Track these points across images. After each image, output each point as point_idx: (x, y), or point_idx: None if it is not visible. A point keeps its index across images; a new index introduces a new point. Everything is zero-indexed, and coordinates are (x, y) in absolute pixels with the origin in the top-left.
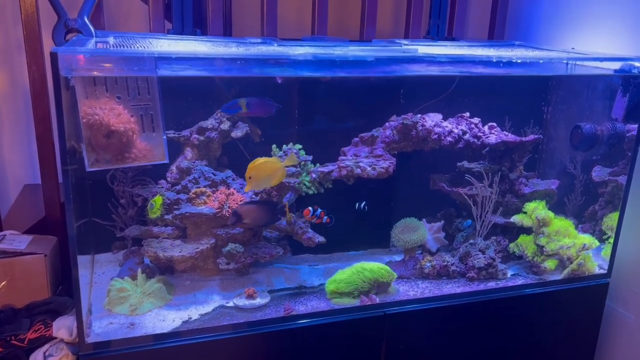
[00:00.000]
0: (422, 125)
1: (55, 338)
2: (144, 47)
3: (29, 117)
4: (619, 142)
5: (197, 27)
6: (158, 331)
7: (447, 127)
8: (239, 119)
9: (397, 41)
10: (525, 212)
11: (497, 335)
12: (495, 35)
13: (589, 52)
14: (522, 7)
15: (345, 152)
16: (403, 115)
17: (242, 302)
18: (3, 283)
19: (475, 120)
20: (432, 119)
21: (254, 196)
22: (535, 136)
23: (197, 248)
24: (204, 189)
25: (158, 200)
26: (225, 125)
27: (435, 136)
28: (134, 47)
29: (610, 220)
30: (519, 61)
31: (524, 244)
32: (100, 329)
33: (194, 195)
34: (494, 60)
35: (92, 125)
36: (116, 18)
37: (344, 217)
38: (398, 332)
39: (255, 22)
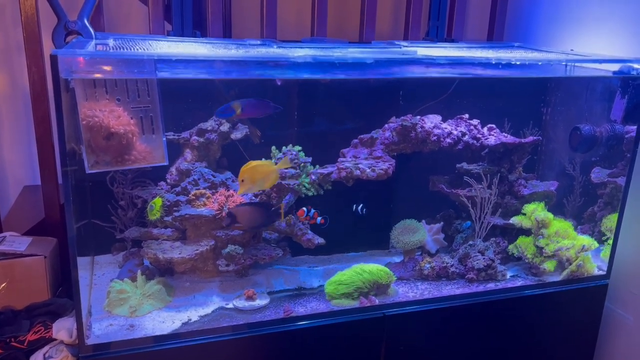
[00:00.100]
0: (422, 127)
1: (55, 340)
2: (144, 49)
3: (29, 119)
4: (617, 144)
5: (196, 28)
6: (158, 333)
7: (446, 128)
8: (239, 120)
9: (397, 43)
10: (524, 214)
11: (497, 336)
12: (494, 36)
13: (588, 54)
14: (522, 9)
15: (345, 154)
16: (402, 117)
17: (241, 303)
18: (3, 285)
19: (475, 121)
20: (431, 121)
21: (253, 198)
22: (535, 138)
23: (197, 250)
24: (203, 191)
25: (158, 202)
26: (225, 127)
27: (435, 138)
28: (133, 49)
29: (609, 222)
30: (517, 63)
31: (523, 246)
32: (100, 330)
33: (194, 197)
34: (493, 62)
35: (92, 127)
36: (116, 20)
37: (343, 219)
38: (397, 334)
39: (254, 24)
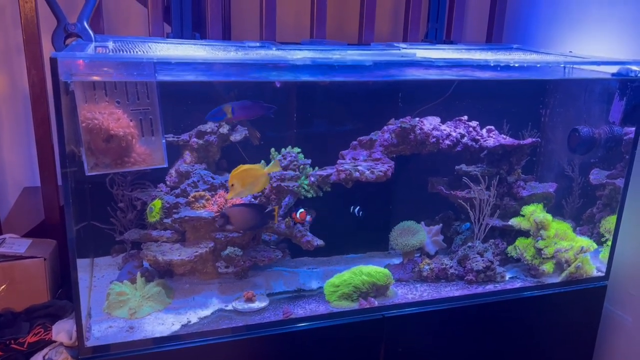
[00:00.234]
0: (421, 129)
1: (55, 342)
2: (143, 51)
3: (28, 120)
4: (616, 145)
5: (196, 30)
6: (157, 335)
7: (445, 130)
8: (239, 122)
9: (396, 44)
10: (523, 215)
11: (496, 338)
12: (493, 38)
13: (586, 56)
14: (520, 10)
15: (344, 156)
16: (401, 119)
17: (241, 305)
18: (2, 287)
19: (474, 123)
20: (430, 123)
21: (253, 200)
22: (533, 139)
23: (196, 252)
24: (203, 193)
25: (157, 204)
26: (224, 129)
27: (434, 139)
28: (133, 51)
29: (608, 223)
30: (516, 65)
31: (522, 247)
32: (100, 332)
33: (193, 199)
34: (492, 64)
35: (91, 129)
36: (115, 22)
37: (342, 221)
38: (397, 335)
39: (254, 26)
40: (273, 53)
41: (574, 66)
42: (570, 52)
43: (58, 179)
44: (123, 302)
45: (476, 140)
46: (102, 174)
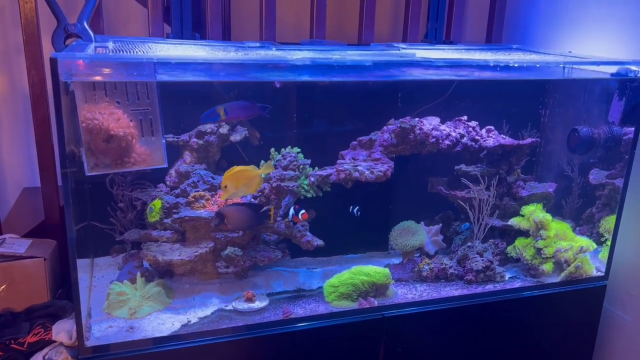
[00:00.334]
0: (420, 129)
1: (55, 342)
2: (143, 51)
3: (28, 121)
4: (615, 145)
5: (196, 31)
6: (157, 335)
7: (444, 130)
8: (239, 122)
9: (395, 45)
10: (522, 215)
11: (495, 337)
12: (493, 38)
13: (586, 56)
14: (520, 11)
15: (344, 156)
16: (401, 119)
17: (241, 305)
18: (2, 287)
19: (473, 123)
20: (430, 123)
21: (252, 199)
22: (533, 139)
23: (196, 252)
24: (203, 193)
25: (157, 204)
26: (224, 129)
27: (433, 140)
28: (133, 51)
29: (608, 223)
30: (516, 65)
31: (522, 247)
32: (100, 332)
33: (193, 199)
34: (491, 65)
35: (91, 129)
36: (115, 22)
37: (342, 221)
38: (396, 335)
39: (254, 26)
40: (273, 53)
41: (574, 66)
42: (570, 52)
43: (58, 179)
44: (123, 302)
45: (476, 141)
46: (102, 174)
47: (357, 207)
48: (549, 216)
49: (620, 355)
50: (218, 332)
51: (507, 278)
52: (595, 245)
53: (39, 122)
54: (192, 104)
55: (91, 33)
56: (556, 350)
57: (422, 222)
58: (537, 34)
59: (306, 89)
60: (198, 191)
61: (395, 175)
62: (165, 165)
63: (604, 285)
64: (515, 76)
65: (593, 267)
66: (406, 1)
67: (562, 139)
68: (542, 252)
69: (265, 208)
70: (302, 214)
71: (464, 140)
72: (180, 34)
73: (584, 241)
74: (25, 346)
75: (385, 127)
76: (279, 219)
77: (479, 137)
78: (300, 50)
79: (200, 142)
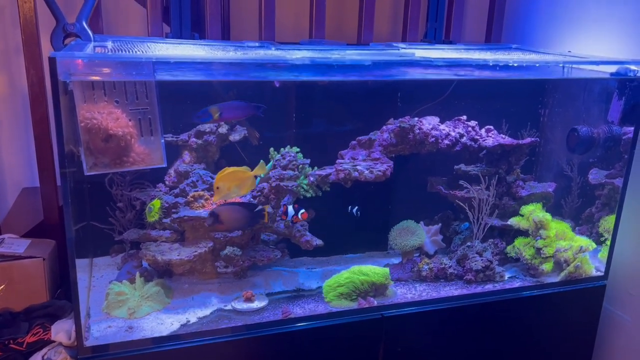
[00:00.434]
0: (420, 129)
1: (54, 342)
2: (142, 51)
3: (27, 120)
4: (615, 145)
5: (195, 30)
6: (156, 334)
7: (444, 130)
8: (238, 122)
9: (395, 44)
10: (522, 215)
11: (495, 337)
12: (492, 38)
13: (585, 55)
14: (519, 10)
15: (343, 155)
16: (400, 119)
17: (240, 305)
18: (1, 287)
19: (472, 123)
20: (429, 122)
21: (251, 199)
22: (532, 139)
23: (195, 251)
24: (202, 193)
25: (156, 203)
26: (224, 129)
27: (433, 139)
28: (132, 51)
29: (607, 223)
30: (515, 65)
31: (521, 247)
32: (99, 332)
33: (192, 199)
34: (491, 64)
35: (90, 129)
36: (114, 22)
37: (341, 221)
38: (396, 335)
39: (253, 26)
40: (272, 53)
41: (573, 66)
42: (569, 51)
43: (57, 179)
44: (122, 302)
45: (475, 140)
46: (101, 173)
47: (357, 207)
48: (548, 216)
49: (619, 355)
50: (217, 332)
51: (506, 278)
52: (594, 245)
53: (38, 122)
54: (191, 103)
55: (90, 33)
56: (556, 350)
57: (421, 222)
58: (537, 34)
59: (305, 89)
60: (197, 191)
61: (395, 175)
62: (164, 165)
63: (603, 285)
64: (515, 76)
65: (592, 267)
66: (405, 1)
67: (561, 139)
68: (541, 251)
69: (259, 207)
70: (302, 213)
71: (464, 139)
72: (179, 34)
73: (584, 241)
74: (24, 346)
75: (384, 127)
76: (278, 218)
77: (478, 137)
78: (299, 50)
79: (200, 141)
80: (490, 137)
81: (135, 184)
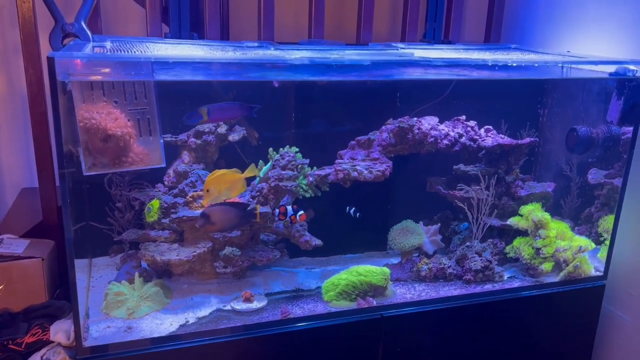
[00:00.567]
0: (419, 129)
1: (53, 342)
2: (141, 51)
3: (26, 121)
4: (614, 145)
5: (194, 30)
6: (155, 335)
7: (443, 130)
8: (237, 122)
9: (394, 44)
10: (521, 215)
11: (494, 337)
12: (491, 38)
13: (584, 55)
14: (518, 10)
15: (342, 156)
16: (399, 119)
17: (239, 305)
18: (0, 287)
19: (472, 123)
20: (428, 122)
21: (251, 199)
22: (531, 139)
23: (195, 252)
24: (201, 193)
25: (155, 204)
26: (223, 129)
27: (432, 139)
28: (131, 51)
29: (606, 223)
30: (514, 65)
31: (520, 247)
32: (98, 332)
33: (191, 199)
34: (490, 64)
35: (89, 129)
36: (113, 22)
37: (340, 221)
38: (395, 335)
39: (252, 26)
40: (271, 53)
41: (572, 66)
42: (568, 51)
43: (56, 180)
44: (121, 302)
45: (474, 140)
46: (99, 174)
47: (355, 208)
48: (547, 216)
49: (619, 355)
50: (216, 332)
51: (505, 278)
52: (594, 245)
53: (37, 122)
54: (190, 103)
55: (89, 33)
56: (555, 349)
57: (420, 222)
58: (536, 34)
59: (305, 89)
60: (196, 191)
61: (394, 175)
62: (163, 165)
63: (602, 285)
64: (514, 76)
65: (592, 267)
66: (404, 1)
67: (560, 139)
68: (540, 251)
69: (250, 207)
70: (300, 215)
71: (463, 139)
72: (178, 34)
73: (583, 241)
74: (23, 346)
75: (383, 127)
76: (276, 218)
77: (477, 137)
78: (298, 49)
79: (199, 141)
80: (490, 137)
81: (134, 184)
